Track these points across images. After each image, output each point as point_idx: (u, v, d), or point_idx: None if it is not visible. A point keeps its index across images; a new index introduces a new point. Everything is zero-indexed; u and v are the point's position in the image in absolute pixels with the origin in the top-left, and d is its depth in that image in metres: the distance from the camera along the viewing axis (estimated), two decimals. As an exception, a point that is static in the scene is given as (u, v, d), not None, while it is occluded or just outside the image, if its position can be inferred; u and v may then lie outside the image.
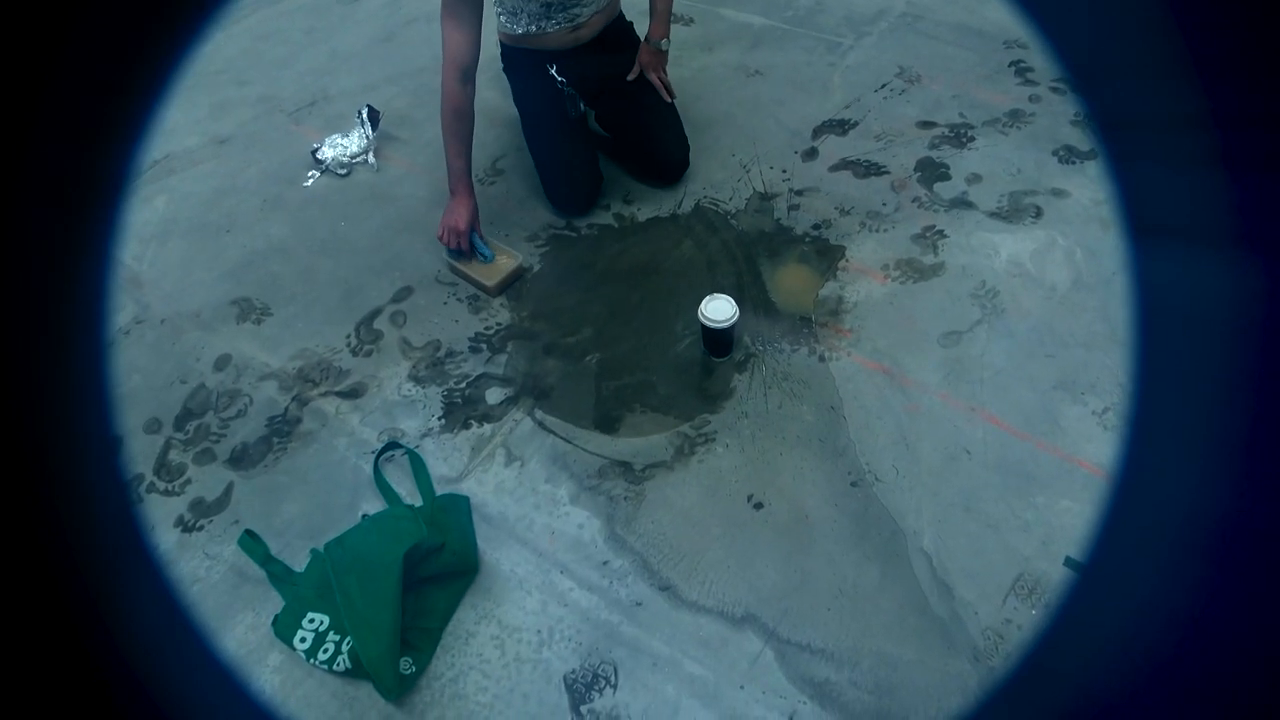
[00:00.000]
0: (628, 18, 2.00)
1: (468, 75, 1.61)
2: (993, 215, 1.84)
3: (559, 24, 1.82)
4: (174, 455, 1.55)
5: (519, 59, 1.93)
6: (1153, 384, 0.33)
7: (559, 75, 1.90)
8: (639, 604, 1.27)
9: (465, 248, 1.77)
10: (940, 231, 1.81)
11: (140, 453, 1.56)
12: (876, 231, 1.84)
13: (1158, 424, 0.33)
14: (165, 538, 1.43)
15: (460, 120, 1.65)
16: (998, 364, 1.54)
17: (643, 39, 1.94)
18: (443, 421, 1.55)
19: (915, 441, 1.43)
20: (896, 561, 1.28)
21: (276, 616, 1.28)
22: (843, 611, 1.23)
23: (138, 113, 0.28)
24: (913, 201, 1.90)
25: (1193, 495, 0.30)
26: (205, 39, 0.30)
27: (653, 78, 1.94)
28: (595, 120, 2.12)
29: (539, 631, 1.25)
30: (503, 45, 1.94)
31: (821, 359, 1.59)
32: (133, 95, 0.27)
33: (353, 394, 1.62)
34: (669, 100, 1.96)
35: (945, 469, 1.39)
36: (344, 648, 1.22)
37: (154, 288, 1.91)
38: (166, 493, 1.49)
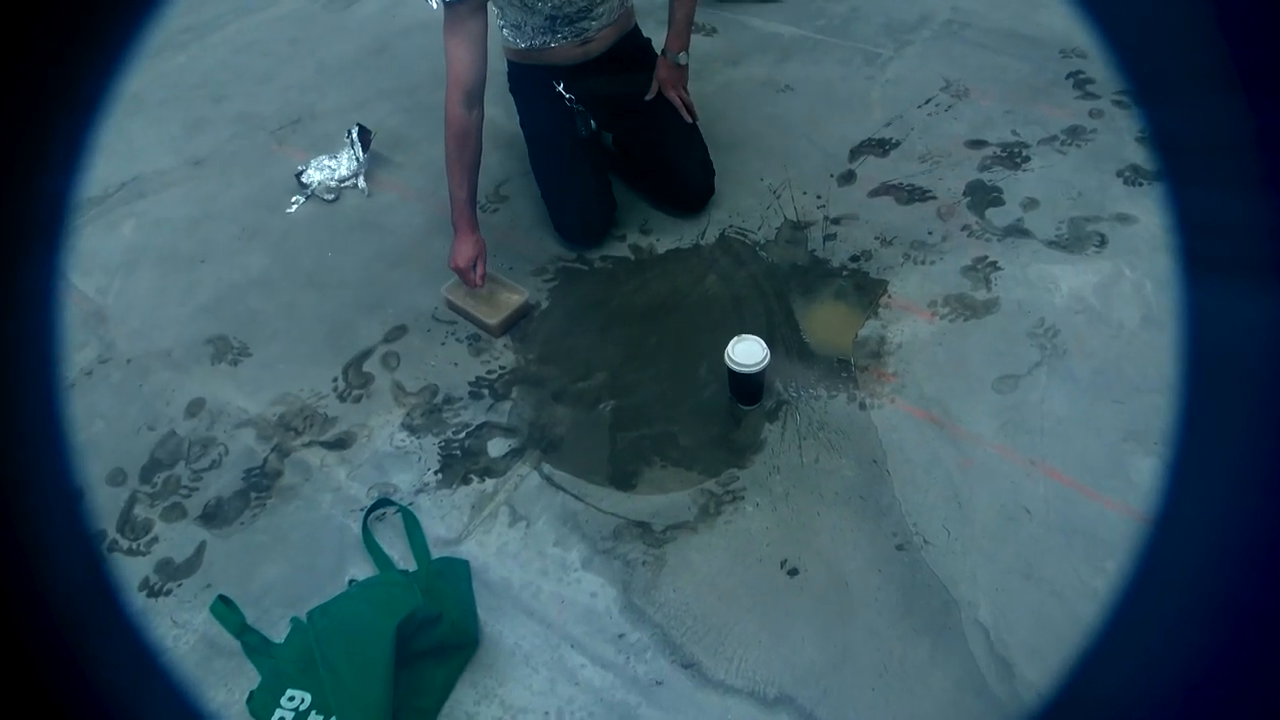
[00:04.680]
0: (645, 33, 2.10)
1: (473, 98, 1.69)
2: (1051, 244, 1.90)
3: (565, 38, 1.92)
4: (140, 510, 1.61)
5: (524, 75, 2.03)
6: (1201, 427, 0.36)
7: (566, 92, 2.00)
8: (659, 683, 1.30)
9: (472, 284, 1.82)
10: (993, 263, 1.87)
11: (102, 507, 1.62)
12: (922, 264, 1.90)
13: (1204, 468, 0.36)
14: (128, 603, 1.47)
15: (464, 147, 1.72)
16: (1060, 412, 1.58)
17: (660, 52, 2.03)
18: (440, 476, 1.60)
19: (968, 499, 1.47)
20: (949, 635, 1.31)
21: (252, 693, 1.31)
22: (889, 692, 1.26)
23: (73, 127, 0.29)
24: (962, 230, 1.96)
25: (1238, 541, 0.33)
26: (143, 39, 0.30)
27: (672, 96, 2.03)
28: (612, 142, 2.20)
29: (547, 713, 1.28)
30: (509, 62, 2.04)
31: (862, 407, 1.64)
32: (65, 108, 0.28)
33: (340, 444, 1.68)
34: (690, 121, 2.05)
35: (1003, 530, 1.42)
36: (328, 730, 1.26)
37: (120, 323, 1.99)
38: (130, 552, 1.54)
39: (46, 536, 0.31)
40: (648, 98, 2.04)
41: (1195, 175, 0.32)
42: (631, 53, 2.05)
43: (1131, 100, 2.18)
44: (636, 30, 2.07)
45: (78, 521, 0.36)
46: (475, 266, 1.80)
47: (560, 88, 2.01)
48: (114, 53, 0.30)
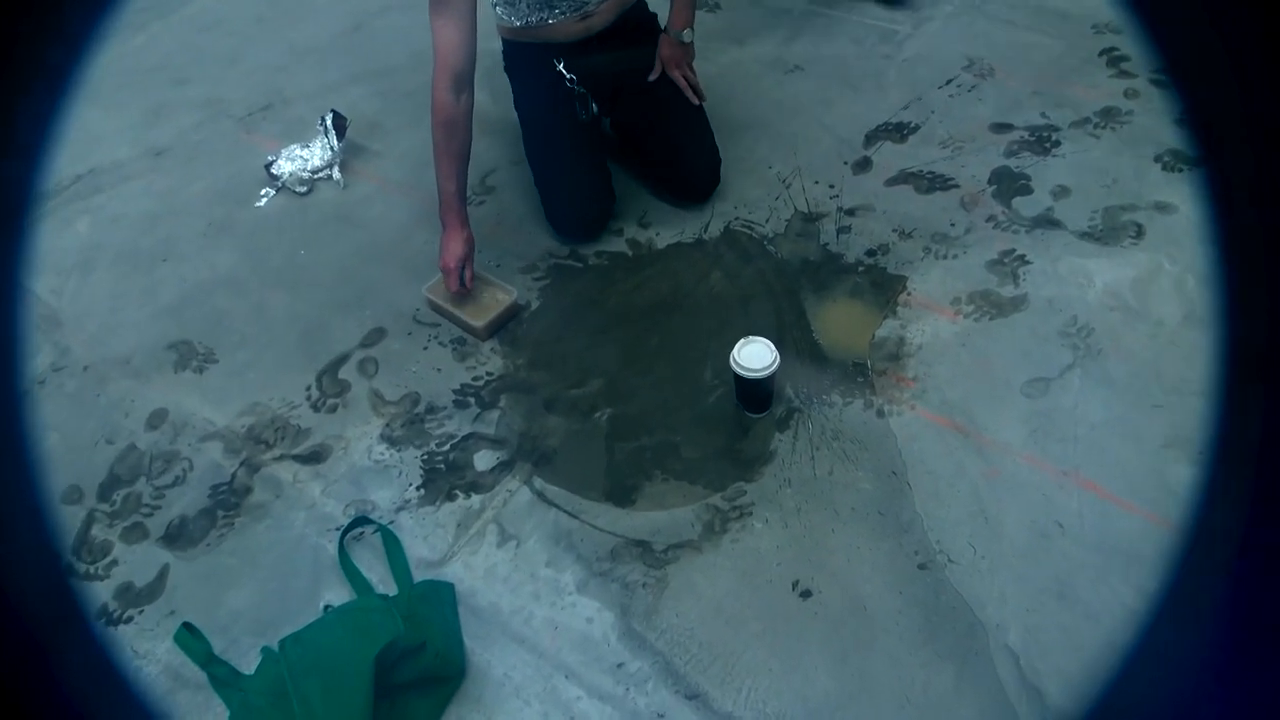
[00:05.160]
0: (651, 8, 2.09)
1: (462, 82, 1.69)
2: (1084, 236, 1.90)
3: (563, 13, 1.91)
4: (97, 531, 1.60)
5: (520, 55, 2.02)
6: (1241, 431, 0.36)
7: (567, 72, 1.99)
8: (661, 716, 1.29)
9: (455, 288, 1.82)
10: (1021, 257, 1.87)
11: (57, 528, 1.61)
12: (944, 258, 1.90)
13: (1244, 476, 0.36)
14: (94, 627, 1.47)
15: (453, 136, 1.72)
16: (1095, 418, 1.58)
17: (662, 29, 2.03)
18: (422, 492, 1.60)
19: (996, 514, 1.47)
20: (975, 661, 1.31)
21: (220, 730, 1.31)
22: (911, 725, 1.25)
23: (37, 114, 0.29)
24: (987, 221, 1.96)
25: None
26: (104, 31, 0.30)
27: (676, 76, 2.03)
28: (609, 126, 2.20)
29: (540, 750, 1.28)
30: (503, 41, 2.04)
31: (880, 414, 1.63)
32: (27, 94, 0.28)
33: (314, 458, 1.67)
34: (696, 103, 2.05)
35: (1033, 547, 1.42)
36: (303, 769, 1.25)
37: (75, 328, 1.98)
38: (88, 576, 1.54)
39: (7, 556, 0.31)
40: (651, 78, 2.04)
41: (1235, 158, 0.31)
42: (637, 26, 2.05)
43: (1167, 78, 2.18)
44: (642, 3, 2.07)
45: (44, 539, 0.36)
46: (463, 268, 1.80)
47: (560, 67, 1.99)
48: (80, 34, 0.29)
